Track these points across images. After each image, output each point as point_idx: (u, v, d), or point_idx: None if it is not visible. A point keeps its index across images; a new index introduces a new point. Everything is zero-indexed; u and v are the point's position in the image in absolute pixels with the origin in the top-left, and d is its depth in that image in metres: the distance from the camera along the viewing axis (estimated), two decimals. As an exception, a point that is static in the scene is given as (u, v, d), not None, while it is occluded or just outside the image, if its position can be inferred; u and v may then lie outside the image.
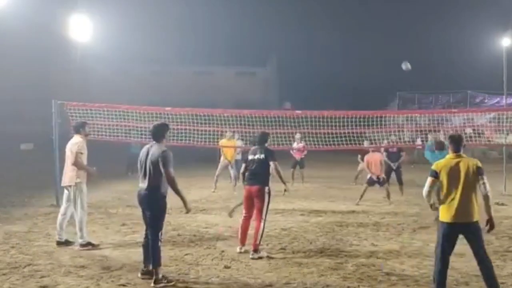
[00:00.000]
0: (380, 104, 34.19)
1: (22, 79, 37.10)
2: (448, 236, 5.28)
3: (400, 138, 13.84)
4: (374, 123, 12.69)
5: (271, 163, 7.26)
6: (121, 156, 18.22)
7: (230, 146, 13.97)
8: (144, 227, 6.14)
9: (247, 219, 7.42)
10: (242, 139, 14.22)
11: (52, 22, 22.43)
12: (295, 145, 14.86)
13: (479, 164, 5.28)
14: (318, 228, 9.07)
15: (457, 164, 5.25)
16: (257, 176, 7.27)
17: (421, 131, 14.32)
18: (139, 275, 6.04)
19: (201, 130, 12.31)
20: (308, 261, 6.88)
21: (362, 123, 12.37)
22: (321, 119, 12.23)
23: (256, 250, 7.05)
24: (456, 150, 5.33)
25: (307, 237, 8.34)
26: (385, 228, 9.17)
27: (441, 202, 5.30)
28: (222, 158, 14.32)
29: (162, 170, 5.83)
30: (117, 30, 33.67)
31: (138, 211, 6.19)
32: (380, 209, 11.25)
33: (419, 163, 25.71)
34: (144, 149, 6.11)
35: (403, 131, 14.69)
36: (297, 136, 14.67)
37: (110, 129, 11.91)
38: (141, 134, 11.93)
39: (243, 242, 7.35)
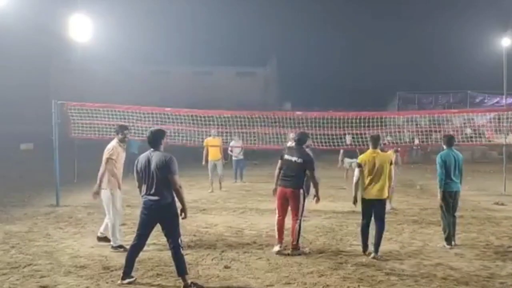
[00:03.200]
0: (379, 104, 34.21)
1: (22, 79, 37.04)
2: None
3: (400, 139, 13.85)
4: (375, 123, 12.68)
5: (308, 172, 7.27)
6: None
7: (215, 145, 13.89)
8: (139, 235, 5.89)
9: (281, 220, 7.42)
10: (242, 140, 14.15)
11: (52, 22, 22.38)
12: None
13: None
14: (318, 228, 9.07)
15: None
16: (293, 179, 7.23)
17: (421, 131, 14.33)
18: (120, 281, 5.83)
19: (200, 131, 12.34)
20: (308, 261, 6.88)
21: (362, 124, 12.37)
22: (321, 120, 12.23)
23: (295, 248, 7.21)
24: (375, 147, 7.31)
25: (307, 237, 8.32)
26: (385, 228, 9.16)
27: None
28: (209, 159, 14.10)
29: (169, 176, 5.67)
30: (117, 30, 33.67)
31: (138, 211, 6.15)
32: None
33: (418, 163, 25.76)
34: (143, 158, 5.83)
35: (403, 131, 14.69)
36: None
37: (110, 129, 11.91)
38: (141, 134, 11.93)
39: (280, 240, 7.38)
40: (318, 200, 7.52)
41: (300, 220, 7.32)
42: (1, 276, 6.08)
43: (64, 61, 39.21)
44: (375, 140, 7.37)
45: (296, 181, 7.24)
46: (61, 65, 41.45)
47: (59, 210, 10.68)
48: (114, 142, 7.58)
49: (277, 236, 7.44)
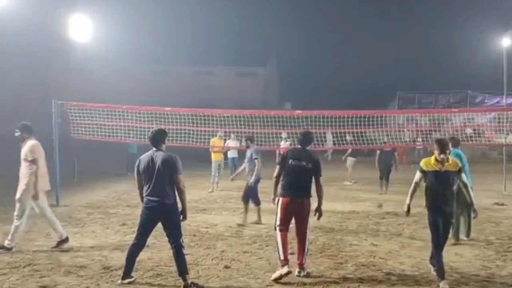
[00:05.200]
0: (380, 103, 34.20)
1: (22, 79, 37.02)
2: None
3: (400, 138, 13.89)
4: (375, 122, 12.70)
5: (318, 178, 6.29)
6: (121, 156, 18.25)
7: (219, 146, 14.03)
8: (139, 234, 5.85)
9: (285, 234, 6.34)
10: (238, 139, 14.20)
11: (52, 22, 22.46)
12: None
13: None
14: (318, 228, 9.06)
15: None
16: (303, 187, 6.22)
17: (421, 131, 14.36)
18: (120, 281, 5.82)
19: (200, 130, 12.35)
20: (308, 261, 6.87)
21: (362, 123, 12.39)
22: (321, 119, 12.25)
23: (303, 268, 6.27)
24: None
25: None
26: (385, 228, 9.17)
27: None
28: (212, 158, 14.33)
29: (174, 176, 5.66)
30: (117, 30, 33.69)
31: (138, 211, 6.15)
32: (380, 209, 11.24)
33: (418, 163, 25.81)
34: (145, 158, 5.75)
35: (403, 131, 14.71)
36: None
37: (109, 129, 11.93)
38: (140, 134, 11.93)
39: (286, 262, 6.16)
40: (320, 215, 6.38)
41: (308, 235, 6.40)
42: (1, 276, 6.08)
43: (64, 61, 39.21)
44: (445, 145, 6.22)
45: (307, 190, 6.24)
46: (61, 65, 41.41)
47: (59, 210, 10.66)
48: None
49: (282, 257, 6.16)
